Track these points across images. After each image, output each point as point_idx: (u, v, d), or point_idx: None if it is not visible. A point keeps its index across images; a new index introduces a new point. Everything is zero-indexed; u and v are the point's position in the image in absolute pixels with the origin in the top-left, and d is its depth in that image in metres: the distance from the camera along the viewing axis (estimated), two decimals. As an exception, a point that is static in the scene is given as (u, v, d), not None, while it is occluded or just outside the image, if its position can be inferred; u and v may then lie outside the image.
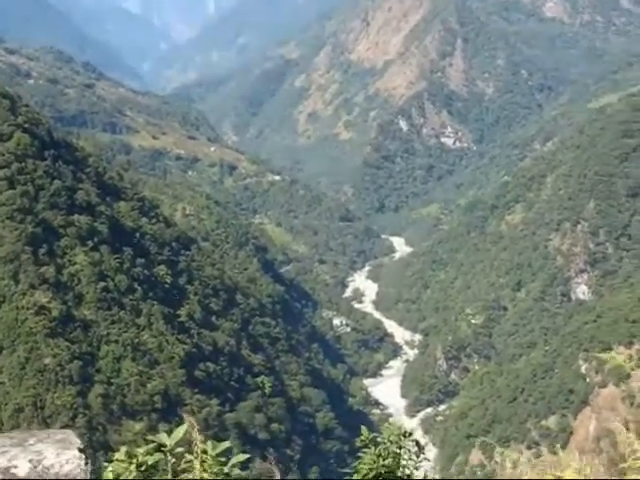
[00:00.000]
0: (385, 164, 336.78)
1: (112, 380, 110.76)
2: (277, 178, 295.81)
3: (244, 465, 5.51)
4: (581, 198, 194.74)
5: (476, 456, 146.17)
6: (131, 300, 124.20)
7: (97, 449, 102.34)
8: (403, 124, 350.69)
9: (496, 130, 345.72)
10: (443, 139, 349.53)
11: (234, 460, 5.22)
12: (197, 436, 5.34)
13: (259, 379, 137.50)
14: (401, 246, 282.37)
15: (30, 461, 6.09)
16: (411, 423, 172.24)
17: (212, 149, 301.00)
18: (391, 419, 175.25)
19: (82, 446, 4.11)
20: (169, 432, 5.30)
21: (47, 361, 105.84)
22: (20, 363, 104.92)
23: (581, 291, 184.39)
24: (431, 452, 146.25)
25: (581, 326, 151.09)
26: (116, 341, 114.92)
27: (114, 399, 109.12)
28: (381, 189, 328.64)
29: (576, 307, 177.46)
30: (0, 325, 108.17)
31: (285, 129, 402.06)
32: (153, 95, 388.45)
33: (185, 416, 5.13)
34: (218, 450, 5.11)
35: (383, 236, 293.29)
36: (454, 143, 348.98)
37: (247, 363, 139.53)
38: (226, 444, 5.21)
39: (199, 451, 5.07)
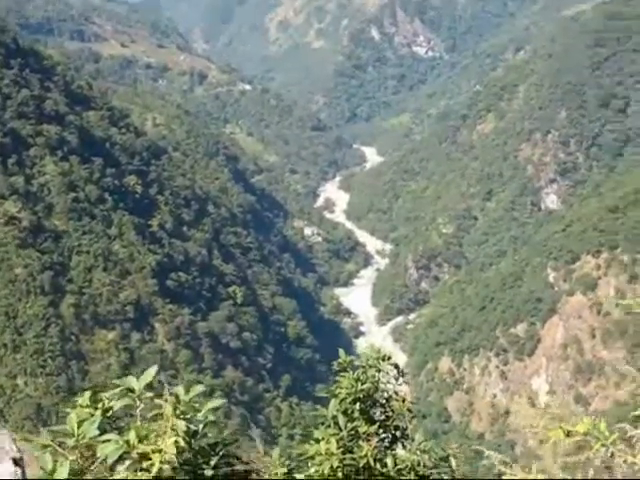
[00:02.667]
0: (357, 73, 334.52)
1: (84, 290, 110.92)
2: (248, 87, 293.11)
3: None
4: (552, 108, 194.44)
5: (445, 363, 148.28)
6: (102, 210, 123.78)
7: (70, 359, 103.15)
8: (375, 33, 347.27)
9: (468, 39, 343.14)
10: (415, 48, 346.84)
11: (209, 405, 5.01)
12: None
13: (231, 289, 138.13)
14: (372, 156, 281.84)
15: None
16: (381, 331, 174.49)
17: (182, 58, 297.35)
18: (362, 327, 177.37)
19: (19, 455, 3.40)
20: (138, 375, 5.07)
21: (18, 271, 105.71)
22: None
23: (551, 200, 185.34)
24: (401, 360, 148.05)
25: (550, 235, 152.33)
26: (87, 251, 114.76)
27: (86, 309, 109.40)
28: (353, 98, 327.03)
29: (546, 216, 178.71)
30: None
31: (256, 38, 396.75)
32: (121, 2, 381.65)
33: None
34: (191, 395, 4.88)
35: (354, 146, 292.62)
36: (426, 52, 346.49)
37: (219, 273, 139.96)
38: (200, 388, 4.97)
39: (170, 396, 4.82)
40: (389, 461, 7.29)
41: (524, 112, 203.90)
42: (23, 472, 3.71)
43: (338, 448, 7.13)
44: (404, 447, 7.69)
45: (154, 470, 4.56)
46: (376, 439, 7.37)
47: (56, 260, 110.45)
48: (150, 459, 4.59)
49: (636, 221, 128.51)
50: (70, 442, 4.74)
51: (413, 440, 7.64)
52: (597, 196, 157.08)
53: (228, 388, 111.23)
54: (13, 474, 3.67)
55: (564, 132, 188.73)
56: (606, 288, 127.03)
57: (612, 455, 4.37)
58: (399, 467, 7.28)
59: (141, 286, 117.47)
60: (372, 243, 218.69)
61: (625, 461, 4.29)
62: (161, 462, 4.58)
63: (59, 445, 4.72)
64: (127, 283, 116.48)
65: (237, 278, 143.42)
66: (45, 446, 4.65)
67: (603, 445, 4.39)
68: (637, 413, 4.53)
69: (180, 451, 4.67)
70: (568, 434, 4.47)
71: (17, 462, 3.75)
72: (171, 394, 4.86)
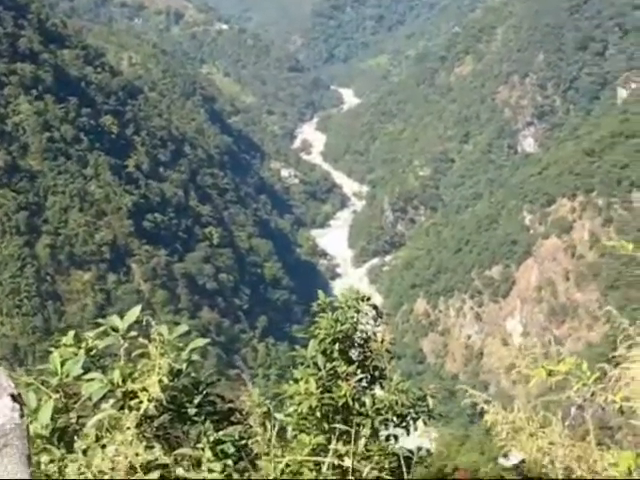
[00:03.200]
0: (335, 13, 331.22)
1: (59, 231, 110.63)
2: (225, 27, 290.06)
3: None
4: (530, 50, 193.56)
5: (421, 305, 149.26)
6: (77, 150, 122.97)
7: (46, 299, 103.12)
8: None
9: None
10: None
11: (192, 345, 4.99)
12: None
13: (207, 230, 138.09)
14: (350, 97, 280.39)
15: None
16: (357, 273, 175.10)
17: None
18: (338, 269, 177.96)
19: (15, 391, 3.29)
20: (121, 314, 5.03)
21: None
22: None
23: (528, 144, 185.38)
24: (377, 301, 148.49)
25: (526, 178, 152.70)
26: (63, 192, 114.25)
27: (62, 249, 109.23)
28: (330, 39, 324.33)
29: (522, 159, 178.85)
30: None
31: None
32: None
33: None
34: (176, 334, 4.84)
35: (332, 87, 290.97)
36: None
37: (195, 214, 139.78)
38: (184, 327, 4.95)
39: (155, 335, 4.78)
40: (367, 401, 7.38)
41: (502, 54, 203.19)
42: (21, 408, 3.70)
43: (317, 388, 7.21)
44: (382, 387, 7.76)
45: (142, 408, 4.57)
46: (355, 379, 7.44)
47: (31, 200, 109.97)
48: (134, 398, 4.61)
49: (612, 165, 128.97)
50: (53, 381, 4.75)
51: (391, 380, 7.71)
52: (574, 139, 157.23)
53: (204, 329, 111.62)
54: (12, 409, 3.65)
55: (542, 75, 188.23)
56: (581, 231, 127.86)
57: (593, 394, 4.46)
58: (377, 406, 7.37)
59: (117, 227, 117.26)
60: (349, 185, 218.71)
61: (605, 399, 4.37)
62: (148, 400, 4.61)
63: (42, 384, 4.73)
64: (103, 224, 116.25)
65: (213, 219, 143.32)
66: (28, 384, 4.67)
67: (584, 385, 4.47)
68: (616, 353, 4.60)
69: (164, 389, 4.69)
70: (550, 374, 4.53)
71: (15, 398, 3.74)
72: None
